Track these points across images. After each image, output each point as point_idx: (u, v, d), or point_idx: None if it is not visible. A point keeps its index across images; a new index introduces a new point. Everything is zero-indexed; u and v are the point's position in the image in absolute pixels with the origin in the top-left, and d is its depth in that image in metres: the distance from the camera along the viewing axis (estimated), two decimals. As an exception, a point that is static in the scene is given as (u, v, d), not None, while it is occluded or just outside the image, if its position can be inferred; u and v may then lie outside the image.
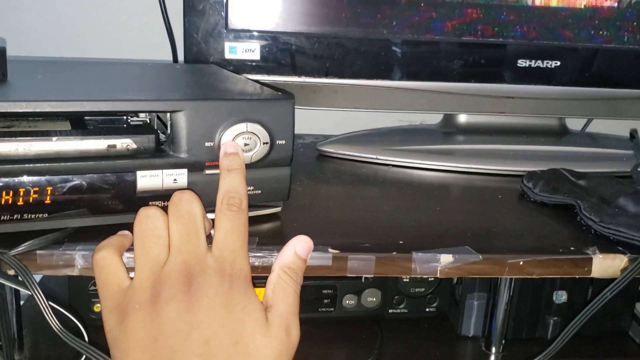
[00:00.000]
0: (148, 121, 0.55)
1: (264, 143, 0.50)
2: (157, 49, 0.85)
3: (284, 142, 0.51)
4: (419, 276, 0.48)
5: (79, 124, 0.52)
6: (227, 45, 0.73)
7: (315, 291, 0.64)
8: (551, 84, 0.77)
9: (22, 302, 0.64)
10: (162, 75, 0.63)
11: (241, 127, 0.49)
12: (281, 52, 0.74)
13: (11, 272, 0.44)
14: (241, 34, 0.73)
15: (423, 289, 0.66)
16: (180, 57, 0.82)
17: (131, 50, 0.88)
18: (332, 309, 0.65)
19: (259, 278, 0.45)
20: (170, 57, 0.86)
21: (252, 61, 0.74)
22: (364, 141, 0.79)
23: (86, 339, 0.48)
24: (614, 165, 0.75)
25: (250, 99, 0.50)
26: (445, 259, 0.48)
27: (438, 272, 0.48)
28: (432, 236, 0.52)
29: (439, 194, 0.65)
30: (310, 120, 0.90)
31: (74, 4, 0.87)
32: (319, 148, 0.78)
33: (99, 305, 0.61)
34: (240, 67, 0.74)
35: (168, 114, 0.49)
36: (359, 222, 0.55)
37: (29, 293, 0.43)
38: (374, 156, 0.74)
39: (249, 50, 0.74)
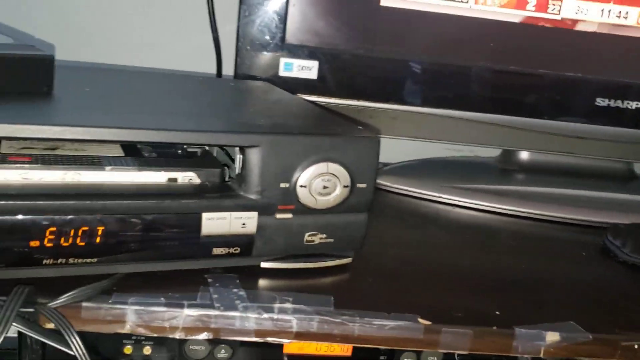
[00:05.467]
0: (207, 149, 0.48)
1: (344, 186, 0.43)
2: (196, 60, 0.78)
3: (364, 185, 0.44)
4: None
5: (132, 150, 0.45)
6: (283, 61, 0.67)
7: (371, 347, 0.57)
8: (628, 126, 0.71)
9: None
10: (221, 96, 0.56)
11: (321, 167, 0.42)
12: (340, 73, 0.67)
13: (50, 326, 0.37)
14: (299, 50, 0.66)
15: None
16: (225, 70, 0.76)
17: (170, 59, 0.81)
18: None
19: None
20: (211, 69, 0.78)
21: (307, 80, 0.67)
22: (420, 174, 0.73)
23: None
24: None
25: (335, 135, 0.43)
26: (552, 337, 0.41)
27: (542, 351, 0.41)
28: (530, 306, 0.45)
29: (517, 246, 0.58)
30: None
31: (117, 7, 0.80)
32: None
33: (130, 347, 0.54)
34: (294, 85, 0.68)
35: (237, 148, 0.43)
36: (441, 280, 0.48)
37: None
38: (436, 194, 0.68)
39: (306, 68, 0.67)
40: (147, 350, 0.55)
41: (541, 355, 0.41)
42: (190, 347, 0.55)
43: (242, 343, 0.56)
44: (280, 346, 0.57)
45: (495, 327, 0.41)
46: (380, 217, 0.61)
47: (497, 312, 0.43)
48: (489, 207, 0.68)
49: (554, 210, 0.68)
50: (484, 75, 0.69)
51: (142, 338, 0.54)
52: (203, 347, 0.55)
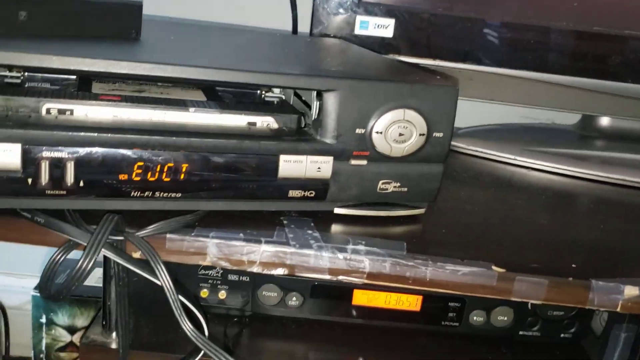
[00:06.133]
0: (283, 98, 0.49)
1: (420, 134, 0.43)
2: (272, 18, 0.79)
3: (441, 135, 0.44)
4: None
5: (213, 95, 0.47)
6: (359, 19, 0.67)
7: (440, 303, 0.57)
8: None
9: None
10: (299, 49, 0.57)
11: (398, 113, 0.43)
12: (417, 31, 0.67)
13: (136, 255, 0.39)
14: (375, 8, 0.66)
15: (562, 313, 0.58)
16: (301, 28, 0.76)
17: (245, 16, 0.82)
18: (456, 324, 0.58)
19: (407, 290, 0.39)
20: (285, 27, 0.79)
21: (383, 39, 0.67)
22: (496, 138, 0.72)
23: (206, 333, 0.43)
24: None
25: (412, 82, 0.43)
26: (630, 291, 0.40)
27: (619, 305, 0.40)
28: (608, 263, 0.44)
29: (596, 209, 0.57)
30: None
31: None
32: (446, 141, 0.71)
33: (206, 290, 0.57)
34: (369, 44, 0.67)
35: (314, 93, 0.44)
36: (516, 235, 0.47)
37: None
38: (512, 157, 0.66)
39: (382, 27, 0.67)
40: (222, 294, 0.57)
41: (618, 309, 0.40)
42: (263, 293, 0.57)
43: (312, 293, 0.58)
44: (349, 297, 0.58)
45: (570, 278, 0.40)
46: (454, 177, 0.61)
47: (574, 265, 0.42)
48: (566, 171, 0.66)
49: (635, 176, 0.65)
50: (566, 36, 0.66)
51: (218, 282, 0.57)
52: (275, 294, 0.57)
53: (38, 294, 0.80)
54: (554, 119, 0.86)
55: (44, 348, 0.86)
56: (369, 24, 0.67)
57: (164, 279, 0.37)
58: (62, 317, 0.83)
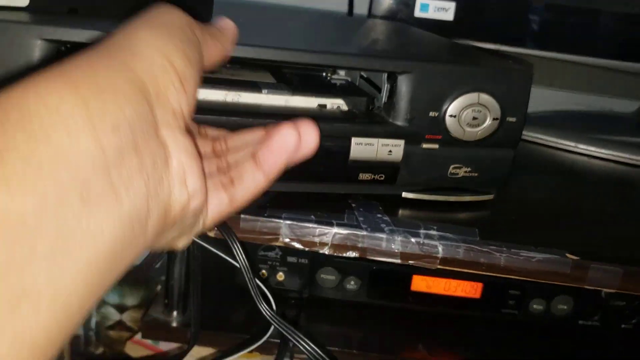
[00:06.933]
0: (349, 80, 0.49)
1: (493, 119, 0.43)
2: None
3: (514, 120, 0.43)
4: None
5: (282, 77, 0.46)
6: (419, 1, 0.66)
7: (500, 290, 0.56)
8: None
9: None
10: (365, 31, 0.56)
11: (472, 97, 0.42)
12: (478, 15, 0.65)
13: (210, 235, 0.39)
14: (435, -9, 0.65)
15: (624, 302, 0.57)
16: (357, 9, 0.76)
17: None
18: (515, 312, 0.57)
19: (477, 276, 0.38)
20: (338, 8, 0.78)
21: (443, 22, 0.66)
22: (554, 125, 0.70)
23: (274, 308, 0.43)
24: None
25: (488, 66, 0.42)
26: None
27: (700, 298, 0.39)
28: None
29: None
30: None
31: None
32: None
33: (265, 272, 0.57)
34: (428, 27, 0.67)
35: (384, 75, 0.43)
36: (586, 224, 0.47)
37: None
38: (573, 144, 0.65)
39: (442, 9, 0.66)
40: (280, 276, 0.57)
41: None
42: (321, 276, 0.57)
43: (370, 278, 0.57)
44: (407, 283, 0.58)
45: (649, 268, 0.39)
46: (516, 163, 0.60)
47: (651, 255, 0.41)
48: (628, 160, 0.64)
49: None
50: (630, 21, 0.65)
51: (277, 264, 0.57)
52: (333, 277, 0.57)
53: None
54: (610, 106, 0.84)
55: (93, 326, 0.88)
56: (429, 6, 0.66)
57: (241, 259, 0.37)
58: (111, 296, 0.84)
